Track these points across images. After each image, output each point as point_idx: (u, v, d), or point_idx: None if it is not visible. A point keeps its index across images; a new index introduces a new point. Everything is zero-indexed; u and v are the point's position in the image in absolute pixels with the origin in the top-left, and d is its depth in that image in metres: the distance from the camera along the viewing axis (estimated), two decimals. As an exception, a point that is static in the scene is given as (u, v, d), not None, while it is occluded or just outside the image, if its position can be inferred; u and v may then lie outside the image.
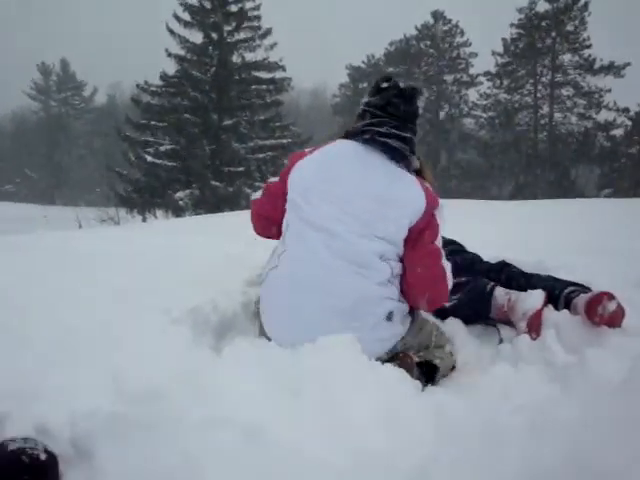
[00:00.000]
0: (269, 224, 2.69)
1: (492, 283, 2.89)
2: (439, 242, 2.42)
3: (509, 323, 2.76)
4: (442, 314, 2.90)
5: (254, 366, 2.03)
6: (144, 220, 22.38)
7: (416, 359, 2.30)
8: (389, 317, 2.31)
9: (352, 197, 2.34)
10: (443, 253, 2.44)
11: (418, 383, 2.15)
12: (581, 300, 2.61)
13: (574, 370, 2.05)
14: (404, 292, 2.42)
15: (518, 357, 2.42)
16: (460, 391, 2.12)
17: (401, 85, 2.47)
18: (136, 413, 1.62)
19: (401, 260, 2.40)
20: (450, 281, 2.43)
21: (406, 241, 2.37)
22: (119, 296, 2.82)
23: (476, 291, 2.87)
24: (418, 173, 2.57)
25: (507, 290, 2.81)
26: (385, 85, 2.49)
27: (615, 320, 2.52)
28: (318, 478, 1.49)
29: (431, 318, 2.72)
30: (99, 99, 61.98)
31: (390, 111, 2.42)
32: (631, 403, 1.42)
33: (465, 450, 1.46)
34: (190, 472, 1.45)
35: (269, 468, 1.50)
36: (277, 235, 2.60)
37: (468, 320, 2.91)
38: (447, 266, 2.44)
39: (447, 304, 2.74)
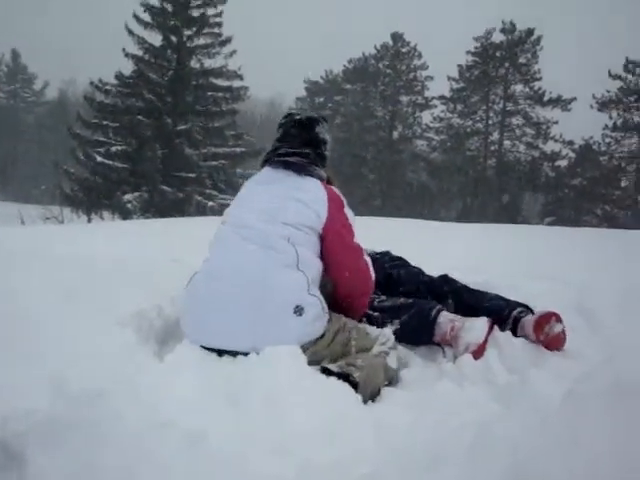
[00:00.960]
0: None
1: (437, 307, 2.86)
2: (357, 239, 2.65)
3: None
4: None
5: (196, 373, 2.00)
6: (89, 221, 21.85)
7: (335, 369, 2.26)
8: (298, 311, 2.33)
9: (259, 200, 2.61)
10: (364, 250, 2.68)
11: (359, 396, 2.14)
12: (529, 319, 2.69)
13: (516, 390, 2.09)
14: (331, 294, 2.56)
15: (462, 376, 2.45)
16: (404, 407, 2.13)
17: (296, 117, 2.82)
18: (73, 415, 1.57)
19: (318, 255, 2.55)
20: (373, 275, 2.70)
21: (324, 238, 2.56)
22: (61, 296, 2.74)
23: (420, 315, 2.85)
24: (328, 182, 2.79)
25: (452, 317, 2.80)
26: (283, 120, 2.86)
27: (557, 342, 2.60)
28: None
29: (352, 321, 2.67)
30: (50, 94, 60.39)
31: (288, 139, 2.76)
32: (569, 422, 1.46)
33: (407, 466, 1.47)
34: (127, 475, 1.41)
35: (211, 476, 1.47)
36: None
37: (412, 342, 2.91)
38: (369, 261, 2.71)
39: (392, 327, 2.78)
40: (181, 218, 12.17)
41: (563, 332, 2.60)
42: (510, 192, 35.20)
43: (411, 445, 1.62)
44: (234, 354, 2.25)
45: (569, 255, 5.76)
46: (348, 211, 2.68)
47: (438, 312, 2.83)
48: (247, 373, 1.92)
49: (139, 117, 22.38)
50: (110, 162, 22.28)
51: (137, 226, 9.15)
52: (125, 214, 21.53)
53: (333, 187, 2.72)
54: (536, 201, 37.34)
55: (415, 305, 2.90)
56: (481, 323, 2.69)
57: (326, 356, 2.41)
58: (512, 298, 3.22)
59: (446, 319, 2.79)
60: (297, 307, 2.33)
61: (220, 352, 2.29)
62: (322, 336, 2.43)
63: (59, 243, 4.60)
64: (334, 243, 2.58)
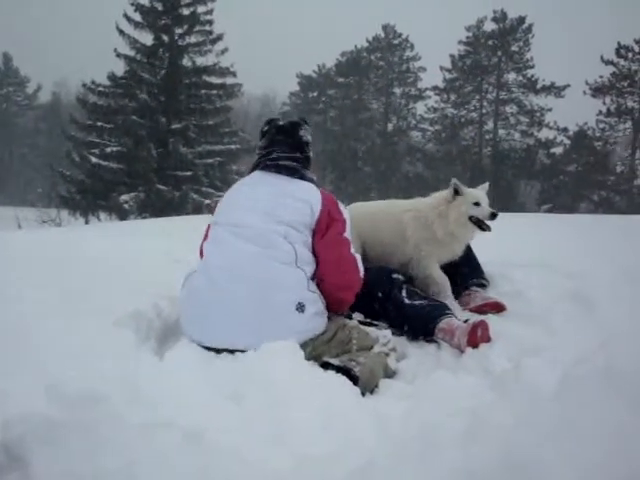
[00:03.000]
0: None
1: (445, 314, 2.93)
2: (348, 235, 2.68)
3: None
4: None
5: (195, 371, 2.03)
6: (87, 222, 21.81)
7: (337, 363, 2.31)
8: (300, 308, 2.38)
9: (253, 199, 2.64)
10: (351, 245, 2.70)
11: (357, 389, 2.17)
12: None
13: (511, 377, 2.11)
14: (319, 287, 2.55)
15: (457, 366, 2.48)
16: (400, 396, 2.16)
17: (279, 124, 2.87)
18: (72, 417, 1.59)
19: (311, 252, 2.57)
20: (361, 270, 2.72)
21: (316, 233, 2.59)
22: (59, 298, 2.76)
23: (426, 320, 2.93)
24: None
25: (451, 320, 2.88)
26: (266, 128, 2.90)
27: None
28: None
29: (352, 322, 2.75)
30: (44, 96, 60.12)
31: (275, 146, 2.81)
32: (561, 408, 1.49)
33: (403, 453, 1.49)
34: (128, 476, 1.43)
35: (209, 472, 1.49)
36: None
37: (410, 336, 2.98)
38: (357, 256, 2.74)
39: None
40: (178, 217, 12.17)
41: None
42: (506, 180, 35.19)
43: (406, 434, 1.65)
44: (232, 351, 2.28)
45: (565, 242, 5.79)
46: (341, 206, 2.73)
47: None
48: (245, 369, 1.94)
49: (133, 117, 22.31)
50: (105, 163, 22.22)
51: (134, 226, 9.16)
52: (122, 215, 21.50)
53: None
54: (532, 188, 37.36)
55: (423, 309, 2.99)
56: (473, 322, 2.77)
57: (326, 352, 2.44)
58: (507, 286, 3.27)
59: (445, 322, 2.85)
60: (299, 304, 2.37)
61: (219, 350, 2.32)
62: (323, 333, 2.47)
63: (57, 246, 4.61)
64: (326, 237, 2.61)
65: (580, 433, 1.39)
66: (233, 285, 2.39)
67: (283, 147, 2.79)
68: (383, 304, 3.09)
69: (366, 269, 2.83)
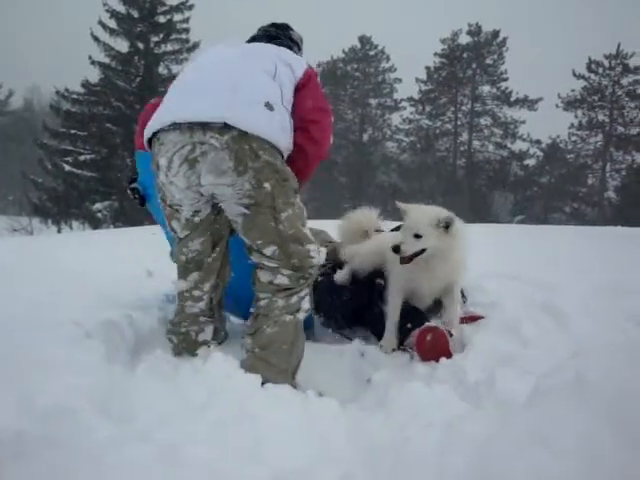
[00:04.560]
0: None
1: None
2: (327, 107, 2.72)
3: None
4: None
5: (168, 383, 2.00)
6: (59, 231, 21.53)
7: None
8: (269, 106, 2.40)
9: (231, 55, 2.63)
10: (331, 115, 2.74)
11: (334, 401, 2.16)
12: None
13: (484, 388, 2.13)
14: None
15: (431, 376, 2.49)
16: (374, 408, 2.16)
17: (272, 22, 3.03)
18: (43, 430, 1.56)
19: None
20: (330, 141, 2.70)
21: (298, 91, 2.62)
22: (30, 308, 2.71)
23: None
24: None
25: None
26: (260, 27, 3.04)
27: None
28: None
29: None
30: (16, 103, 59.27)
31: (265, 33, 2.94)
32: (533, 420, 1.50)
33: (377, 466, 1.49)
34: (101, 491, 1.41)
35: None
36: None
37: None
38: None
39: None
40: (152, 226, 12.07)
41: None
42: (480, 191, 35.60)
43: (380, 445, 1.65)
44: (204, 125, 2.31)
45: (540, 253, 5.87)
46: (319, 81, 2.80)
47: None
48: (217, 380, 1.92)
49: (107, 125, 22.15)
50: (79, 171, 22.00)
51: (107, 236, 9.06)
52: (95, 223, 21.29)
53: None
54: (506, 200, 37.83)
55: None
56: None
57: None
58: (481, 299, 3.31)
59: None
60: (267, 103, 2.40)
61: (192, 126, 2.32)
62: (282, 164, 2.45)
63: (27, 255, 4.54)
64: (307, 96, 2.63)
65: (550, 445, 1.41)
66: (214, 72, 2.48)
67: (269, 32, 2.91)
68: (362, 312, 3.12)
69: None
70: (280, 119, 2.42)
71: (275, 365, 2.37)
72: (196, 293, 2.57)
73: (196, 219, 2.47)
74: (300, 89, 2.61)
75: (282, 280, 2.47)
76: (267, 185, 2.35)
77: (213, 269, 2.58)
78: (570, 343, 2.75)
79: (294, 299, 2.49)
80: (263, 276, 2.49)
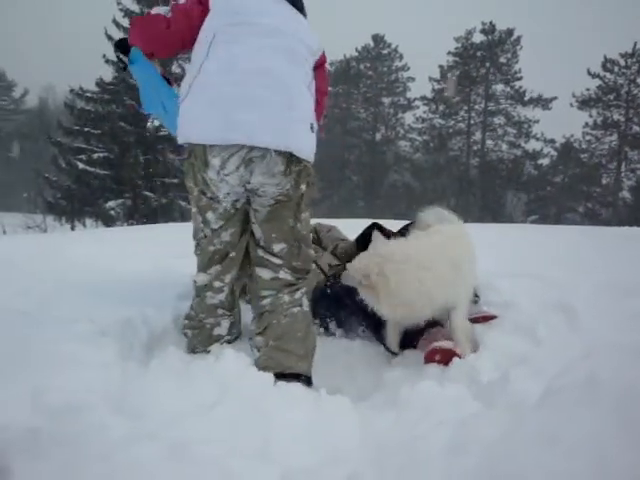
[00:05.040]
0: (171, 42, 2.66)
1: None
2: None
3: None
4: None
5: (180, 381, 2.02)
6: (72, 228, 21.69)
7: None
8: (312, 128, 2.56)
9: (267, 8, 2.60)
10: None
11: (346, 399, 2.16)
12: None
13: (496, 387, 2.13)
14: None
15: (443, 375, 2.49)
16: (384, 406, 2.16)
17: None
18: (56, 427, 1.57)
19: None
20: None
21: (316, 69, 2.72)
22: (44, 306, 2.73)
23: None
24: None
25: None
26: None
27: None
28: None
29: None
30: (30, 101, 59.72)
31: None
32: (544, 419, 1.49)
33: (386, 465, 1.50)
34: (113, 487, 1.42)
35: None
36: (163, 51, 2.74)
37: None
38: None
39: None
40: (165, 224, 12.12)
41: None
42: (493, 191, 35.42)
43: (390, 444, 1.65)
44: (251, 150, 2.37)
45: (551, 253, 5.83)
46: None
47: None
48: (228, 380, 1.93)
49: (121, 123, 22.26)
50: (92, 169, 22.13)
51: (120, 233, 9.11)
52: (108, 221, 21.41)
53: None
54: (519, 199, 37.62)
55: None
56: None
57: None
58: (494, 298, 3.30)
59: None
60: (312, 125, 2.54)
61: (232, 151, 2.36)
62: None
63: (42, 252, 4.58)
64: (322, 77, 2.79)
65: (562, 444, 1.40)
66: (262, 86, 2.40)
67: None
68: (368, 317, 3.09)
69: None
70: (315, 135, 2.60)
71: (293, 352, 2.42)
72: (217, 284, 2.63)
73: (232, 210, 2.55)
74: (317, 67, 2.75)
75: (285, 276, 2.57)
76: (303, 186, 2.54)
77: (236, 261, 2.64)
78: (581, 343, 2.74)
79: (298, 294, 2.59)
80: (265, 274, 2.58)
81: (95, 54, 23.87)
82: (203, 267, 2.64)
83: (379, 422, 1.90)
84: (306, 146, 2.48)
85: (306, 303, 2.62)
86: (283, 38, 2.52)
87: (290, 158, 2.42)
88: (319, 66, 2.75)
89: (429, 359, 2.68)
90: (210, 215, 2.54)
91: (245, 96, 2.36)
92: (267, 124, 2.35)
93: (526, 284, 3.66)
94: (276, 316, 2.51)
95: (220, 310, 2.65)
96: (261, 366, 2.33)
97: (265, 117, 2.35)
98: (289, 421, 1.76)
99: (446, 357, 2.66)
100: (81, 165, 21.97)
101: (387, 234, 3.30)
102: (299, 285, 2.62)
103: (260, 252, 2.55)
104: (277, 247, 2.54)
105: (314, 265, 2.76)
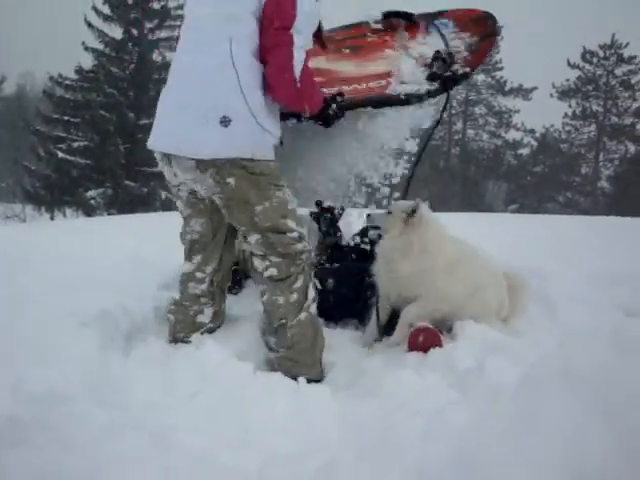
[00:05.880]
0: None
1: None
2: (293, 31, 2.27)
3: None
4: None
5: (160, 371, 2.03)
6: (52, 218, 21.47)
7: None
8: (224, 121, 2.24)
9: None
10: (295, 42, 2.28)
11: (326, 388, 2.19)
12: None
13: (473, 376, 2.16)
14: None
15: (422, 365, 2.51)
16: (364, 395, 2.19)
17: None
18: (38, 416, 1.58)
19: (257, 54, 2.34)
20: (297, 73, 2.30)
21: (261, 24, 2.31)
22: (25, 297, 2.72)
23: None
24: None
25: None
26: None
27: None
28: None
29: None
30: (8, 88, 58.69)
31: None
32: (520, 408, 1.53)
33: (364, 452, 1.52)
34: (94, 477, 1.43)
35: (176, 474, 1.50)
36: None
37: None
38: (297, 56, 2.29)
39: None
40: (146, 214, 12.05)
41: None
42: (474, 180, 35.61)
43: (368, 432, 1.68)
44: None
45: (529, 242, 5.89)
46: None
47: None
48: (209, 369, 1.95)
49: (101, 112, 22.00)
50: (72, 158, 21.87)
51: (101, 223, 9.05)
52: (89, 211, 21.23)
53: None
54: (499, 188, 37.87)
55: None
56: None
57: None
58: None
59: None
60: (224, 117, 2.25)
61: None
62: (251, 160, 2.32)
63: (21, 243, 4.54)
64: (267, 32, 2.30)
65: (536, 433, 1.43)
66: (171, 89, 2.43)
67: None
68: (353, 304, 3.11)
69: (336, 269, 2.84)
70: (243, 125, 2.28)
71: (302, 362, 2.45)
72: (199, 275, 2.64)
73: (193, 199, 2.52)
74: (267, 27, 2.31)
75: (272, 272, 2.47)
76: (230, 180, 2.32)
77: (216, 252, 2.63)
78: (559, 331, 2.79)
79: (295, 296, 2.48)
80: (258, 263, 2.51)
81: (74, 41, 23.56)
82: (186, 255, 2.68)
83: (358, 411, 1.93)
84: (205, 143, 2.26)
85: (310, 298, 2.53)
86: (198, 15, 2.39)
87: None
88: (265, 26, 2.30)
89: (413, 341, 2.68)
90: (179, 203, 2.60)
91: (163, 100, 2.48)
92: (159, 127, 2.41)
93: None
94: (277, 320, 2.48)
95: (203, 299, 2.67)
96: (274, 367, 2.42)
97: (158, 119, 2.43)
98: (269, 410, 1.79)
99: (430, 337, 2.67)
100: (61, 154, 21.70)
101: (328, 210, 3.36)
102: (292, 278, 2.47)
103: (244, 244, 2.53)
104: (252, 239, 2.45)
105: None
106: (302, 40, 2.32)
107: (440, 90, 2.95)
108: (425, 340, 2.66)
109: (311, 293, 2.55)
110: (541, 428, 1.45)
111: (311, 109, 2.55)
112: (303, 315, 2.49)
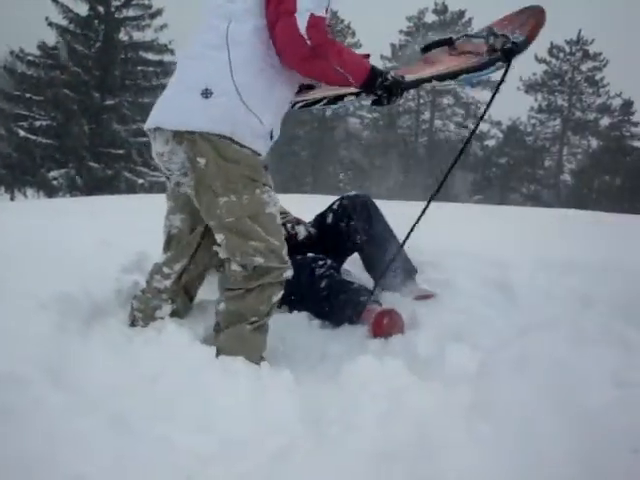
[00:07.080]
0: None
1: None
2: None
3: None
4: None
5: (120, 354, 2.02)
6: (12, 199, 20.99)
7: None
8: (205, 93, 2.13)
9: None
10: (301, 20, 2.06)
11: (288, 372, 2.18)
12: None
13: (433, 362, 2.20)
14: None
15: (384, 350, 2.54)
16: (325, 379, 2.21)
17: None
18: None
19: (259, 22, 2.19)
20: (303, 30, 2.07)
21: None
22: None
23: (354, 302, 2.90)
24: None
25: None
26: None
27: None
28: (184, 466, 1.51)
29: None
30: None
31: None
32: (477, 392, 1.57)
33: (322, 436, 1.55)
34: (52, 460, 1.42)
35: (134, 458, 1.50)
36: None
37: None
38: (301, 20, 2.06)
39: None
40: (110, 196, 11.86)
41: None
42: (441, 170, 35.96)
43: (328, 417, 1.70)
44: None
45: (492, 232, 5.98)
46: None
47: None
48: (169, 353, 1.94)
49: (64, 90, 21.56)
50: (34, 137, 21.44)
51: (63, 204, 8.88)
52: (51, 192, 20.84)
53: None
54: (466, 179, 38.36)
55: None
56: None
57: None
58: (435, 275, 3.38)
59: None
60: (205, 89, 2.13)
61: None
62: (230, 141, 2.16)
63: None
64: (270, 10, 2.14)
65: (491, 417, 1.48)
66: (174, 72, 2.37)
67: None
68: (305, 295, 3.04)
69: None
70: (225, 100, 2.15)
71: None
72: (165, 270, 2.53)
73: (177, 192, 2.41)
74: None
75: (234, 284, 2.28)
76: (200, 160, 2.15)
77: (188, 251, 2.50)
78: (518, 319, 2.85)
79: (233, 308, 2.27)
80: (226, 267, 2.33)
81: (37, 15, 22.94)
82: (163, 247, 2.57)
83: (320, 395, 1.95)
84: (183, 114, 2.16)
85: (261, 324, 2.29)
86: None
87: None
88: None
89: (377, 324, 2.70)
90: (166, 194, 2.54)
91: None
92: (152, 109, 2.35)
93: (467, 262, 3.76)
94: (218, 329, 2.31)
95: (164, 295, 2.60)
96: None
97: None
98: (230, 394, 1.79)
99: (394, 318, 2.69)
100: (22, 132, 21.25)
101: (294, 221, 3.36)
102: (249, 290, 2.24)
103: (216, 246, 2.34)
104: (218, 237, 2.28)
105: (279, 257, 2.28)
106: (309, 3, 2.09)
107: (502, 59, 3.05)
108: (389, 323, 2.69)
109: (263, 311, 2.29)
110: (495, 413, 1.49)
111: (344, 68, 2.27)
112: (238, 328, 2.24)
